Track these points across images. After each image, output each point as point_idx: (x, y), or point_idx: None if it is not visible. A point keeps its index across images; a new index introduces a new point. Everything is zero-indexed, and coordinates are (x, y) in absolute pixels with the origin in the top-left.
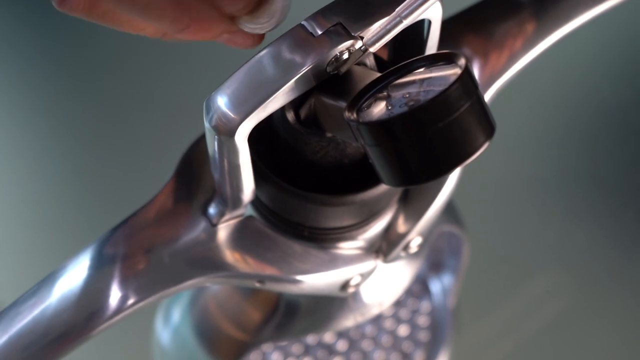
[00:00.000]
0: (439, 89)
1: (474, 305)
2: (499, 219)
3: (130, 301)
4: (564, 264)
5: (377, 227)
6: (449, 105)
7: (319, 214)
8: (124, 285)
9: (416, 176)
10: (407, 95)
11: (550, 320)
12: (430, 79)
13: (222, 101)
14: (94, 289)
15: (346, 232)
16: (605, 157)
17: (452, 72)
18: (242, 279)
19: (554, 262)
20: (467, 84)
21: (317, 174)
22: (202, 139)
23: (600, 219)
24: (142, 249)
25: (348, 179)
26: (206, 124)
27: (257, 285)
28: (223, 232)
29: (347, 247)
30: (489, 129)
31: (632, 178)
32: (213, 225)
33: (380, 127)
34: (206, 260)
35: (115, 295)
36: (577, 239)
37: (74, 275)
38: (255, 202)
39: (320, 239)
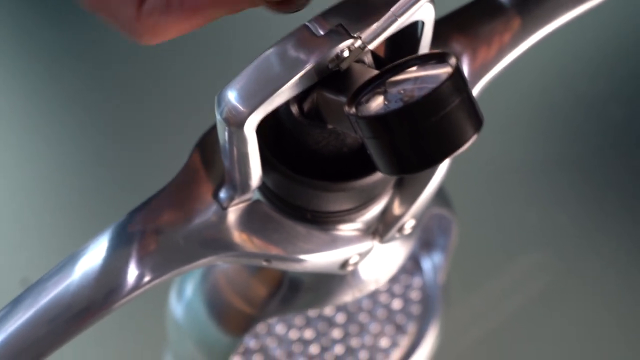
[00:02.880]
0: (431, 86)
1: (462, 281)
2: (486, 202)
3: (146, 279)
4: (547, 244)
5: (374, 210)
6: (440, 101)
7: (321, 198)
8: (140, 264)
9: (410, 166)
10: (403, 92)
11: (534, 295)
12: (423, 77)
13: (232, 95)
14: (113, 267)
15: (346, 215)
16: (586, 145)
17: (443, 70)
18: (250, 258)
19: (537, 242)
20: (457, 82)
21: (319, 162)
22: (212, 129)
23: (581, 202)
24: (158, 231)
25: (347, 167)
26: (217, 116)
27: (264, 264)
28: (232, 215)
29: (346, 229)
30: (477, 123)
31: (610, 164)
32: (223, 209)
33: (377, 121)
34: (217, 241)
35: (132, 273)
36: (560, 220)
37: (95, 254)
38: (262, 187)
39: (321, 221)
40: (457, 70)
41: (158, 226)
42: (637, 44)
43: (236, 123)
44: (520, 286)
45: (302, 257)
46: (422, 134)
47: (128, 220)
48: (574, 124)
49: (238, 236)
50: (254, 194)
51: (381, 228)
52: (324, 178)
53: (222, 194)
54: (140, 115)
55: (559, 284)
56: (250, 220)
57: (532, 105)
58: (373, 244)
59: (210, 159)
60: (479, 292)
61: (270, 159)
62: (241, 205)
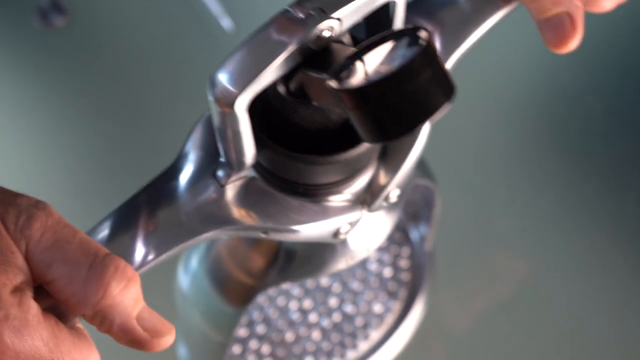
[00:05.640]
0: (406, 58)
1: (447, 250)
2: (475, 187)
3: (151, 256)
4: (532, 226)
5: (361, 181)
6: (414, 72)
7: (310, 172)
8: (145, 242)
9: (390, 133)
10: (380, 65)
11: (519, 273)
12: (398, 50)
13: (223, 77)
14: (120, 246)
15: (335, 187)
16: (567, 134)
17: (416, 43)
18: (248, 231)
19: (522, 224)
20: (429, 53)
21: (307, 138)
22: (206, 115)
23: (562, 187)
24: (161, 210)
25: (333, 142)
26: (209, 97)
27: (262, 235)
28: (230, 191)
29: (336, 200)
30: (449, 91)
31: (590, 151)
32: (221, 186)
33: (357, 93)
34: (217, 216)
35: (139, 251)
36: (542, 204)
37: (103, 235)
38: (256, 165)
39: (313, 194)
40: (428, 43)
41: (161, 206)
42: (616, 39)
43: (227, 103)
44: (503, 259)
45: (296, 227)
46: (398, 103)
47: (132, 201)
48: (556, 115)
49: (236, 211)
50: (249, 171)
51: (369, 198)
52: (312, 153)
53: (220, 173)
54: (146, 106)
55: (542, 264)
56: (247, 195)
57: (517, 97)
58: (362, 213)
59: (206, 142)
60: (464, 263)
61: (262, 137)
62: (238, 182)
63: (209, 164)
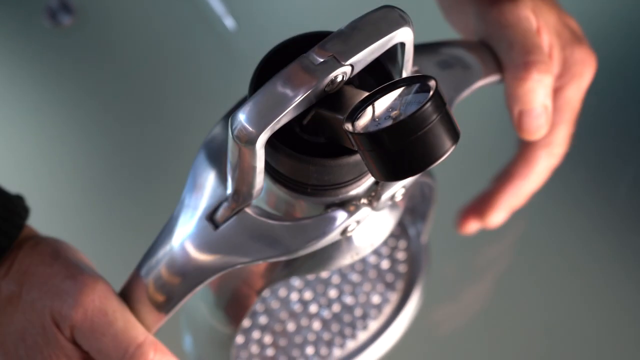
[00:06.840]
0: (415, 105)
1: (442, 242)
2: (468, 181)
3: (164, 312)
4: (524, 220)
5: (367, 182)
6: (423, 119)
7: (319, 174)
8: (155, 303)
9: (398, 174)
10: (391, 110)
11: (513, 267)
12: (408, 97)
13: (243, 117)
14: (134, 310)
15: (343, 187)
16: None
17: (425, 91)
18: (264, 260)
19: (514, 218)
20: (437, 101)
21: (316, 145)
22: (197, 159)
23: (554, 181)
24: (164, 270)
25: (341, 146)
26: (230, 135)
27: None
28: (227, 232)
29: (344, 200)
30: (455, 136)
31: (580, 146)
32: (219, 226)
33: (370, 137)
34: (215, 261)
35: (148, 316)
36: (534, 198)
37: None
38: (269, 169)
39: (321, 194)
40: (437, 91)
41: (162, 268)
42: (606, 38)
43: (246, 141)
44: (495, 243)
45: (304, 247)
46: (408, 147)
47: (137, 270)
48: None
49: (235, 249)
50: (251, 202)
51: (375, 197)
52: (322, 156)
53: (219, 212)
54: (151, 104)
55: (531, 254)
56: (244, 232)
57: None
58: (368, 211)
59: (195, 196)
60: (458, 253)
61: (276, 143)
62: (233, 223)
63: (205, 208)
